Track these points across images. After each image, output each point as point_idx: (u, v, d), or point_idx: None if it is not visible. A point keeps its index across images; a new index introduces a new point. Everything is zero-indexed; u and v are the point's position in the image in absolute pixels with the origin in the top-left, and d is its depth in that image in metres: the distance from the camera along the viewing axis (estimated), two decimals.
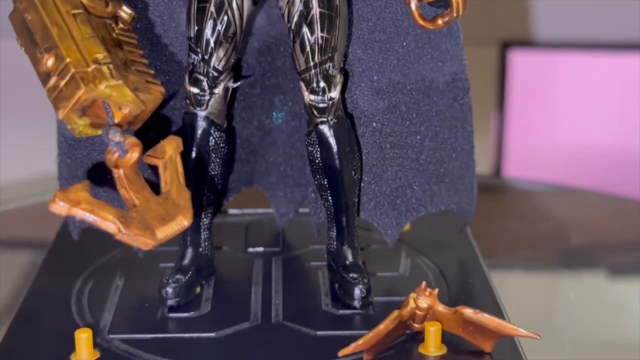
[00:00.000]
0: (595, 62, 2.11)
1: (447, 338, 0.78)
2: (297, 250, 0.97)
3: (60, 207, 0.63)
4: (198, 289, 0.87)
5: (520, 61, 2.19)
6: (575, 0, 1.90)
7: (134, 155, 0.67)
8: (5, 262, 1.17)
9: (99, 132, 0.68)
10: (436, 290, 0.78)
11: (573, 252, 1.19)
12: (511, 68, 2.18)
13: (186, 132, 0.83)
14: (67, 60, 0.65)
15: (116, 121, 0.68)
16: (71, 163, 0.86)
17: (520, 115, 2.13)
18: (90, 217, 0.64)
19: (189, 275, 0.85)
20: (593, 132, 2.03)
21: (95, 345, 0.78)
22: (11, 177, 1.76)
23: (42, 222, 1.23)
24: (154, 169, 0.70)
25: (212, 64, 0.80)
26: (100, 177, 0.82)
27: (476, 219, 1.03)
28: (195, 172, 0.84)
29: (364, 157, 0.88)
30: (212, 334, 0.80)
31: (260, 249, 0.97)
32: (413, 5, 0.75)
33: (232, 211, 1.06)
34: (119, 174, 0.67)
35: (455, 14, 0.74)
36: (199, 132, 0.83)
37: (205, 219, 0.87)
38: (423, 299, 0.78)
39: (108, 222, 0.64)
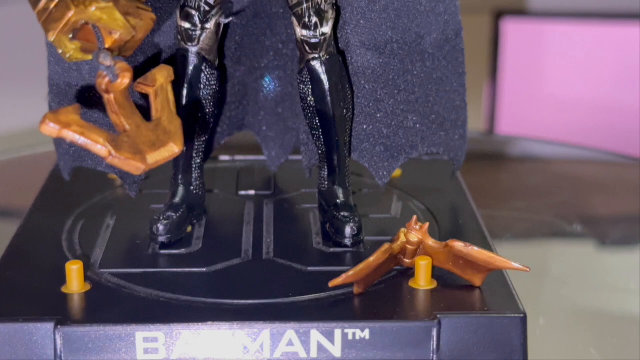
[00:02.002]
0: (587, 31, 2.12)
1: (437, 273, 0.78)
2: (289, 193, 0.97)
3: (50, 129, 0.63)
4: (189, 228, 0.87)
5: (513, 30, 2.19)
6: None
7: (124, 80, 0.67)
8: None
9: (89, 56, 0.68)
10: (427, 225, 0.78)
11: (561, 204, 1.19)
12: (504, 37, 2.19)
13: (178, 67, 0.82)
14: None
15: (107, 46, 0.67)
16: (62, 102, 0.86)
17: (513, 80, 2.15)
18: (80, 140, 0.64)
19: (180, 212, 0.85)
20: (583, 94, 2.05)
21: (86, 278, 0.78)
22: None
23: (30, 174, 1.23)
24: (146, 98, 0.70)
25: None
26: (91, 104, 0.82)
27: (469, 173, 1.03)
28: (186, 108, 0.84)
29: (356, 98, 0.87)
30: (203, 269, 0.80)
31: (252, 192, 0.97)
32: None
33: (223, 157, 1.06)
34: (109, 98, 0.66)
35: None
36: (190, 68, 0.83)
37: (196, 158, 0.87)
38: (414, 233, 0.78)
39: (98, 145, 0.64)
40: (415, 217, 0.78)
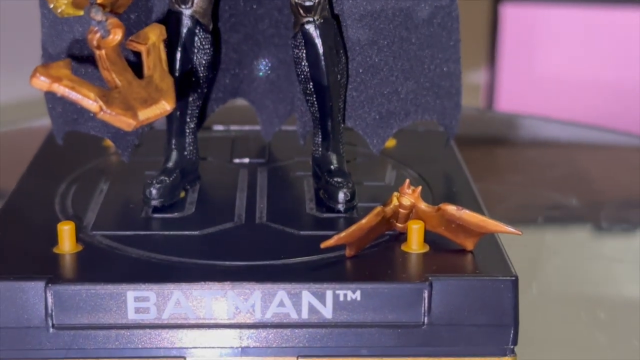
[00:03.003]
0: (585, 15, 2.13)
1: (429, 238, 0.78)
2: (283, 161, 0.97)
3: (41, 82, 0.63)
4: (182, 194, 0.87)
5: (512, 14, 2.20)
6: None
7: (116, 37, 0.66)
8: None
9: (81, 12, 0.67)
10: (419, 188, 0.78)
11: (558, 179, 1.19)
12: (503, 21, 2.19)
13: (171, 30, 0.82)
14: None
15: (98, 1, 0.67)
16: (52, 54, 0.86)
17: (512, 63, 2.15)
18: (71, 94, 0.64)
19: (173, 177, 0.85)
20: (581, 74, 2.06)
21: (78, 240, 0.78)
22: None
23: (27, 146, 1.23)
24: (138, 55, 0.70)
25: None
26: (82, 60, 0.82)
27: (466, 149, 1.03)
28: (180, 72, 0.83)
29: (350, 65, 0.87)
30: (196, 232, 0.80)
31: (246, 160, 0.97)
32: None
33: (217, 127, 1.05)
34: (100, 54, 0.66)
35: None
36: (184, 30, 0.82)
37: (190, 123, 0.87)
38: (406, 197, 0.78)
39: (89, 100, 0.64)
40: (407, 180, 0.78)
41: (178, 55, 0.83)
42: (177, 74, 0.83)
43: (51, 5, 0.66)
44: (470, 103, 0.98)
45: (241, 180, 0.92)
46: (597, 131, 1.37)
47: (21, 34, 1.51)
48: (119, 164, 0.93)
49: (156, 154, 0.93)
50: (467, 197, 0.88)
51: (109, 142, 0.96)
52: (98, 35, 0.66)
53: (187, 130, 0.87)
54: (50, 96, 0.88)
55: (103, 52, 0.66)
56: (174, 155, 0.86)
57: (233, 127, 1.06)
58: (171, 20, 0.83)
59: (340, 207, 0.84)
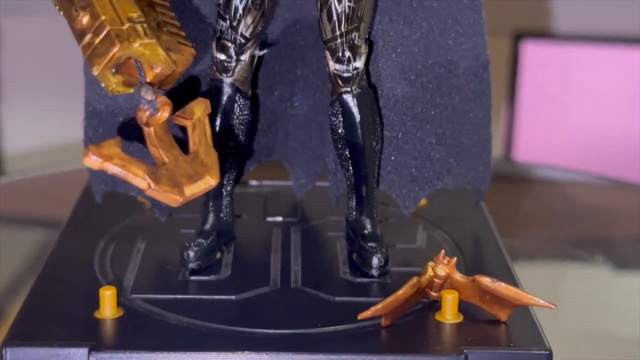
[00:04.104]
0: (611, 55, 2.11)
1: (463, 307, 0.79)
2: (315, 220, 0.98)
3: (92, 161, 0.65)
4: (218, 255, 0.88)
5: (532, 52, 2.19)
6: None
7: (164, 114, 0.68)
8: (14, 237, 1.18)
9: (131, 90, 0.69)
10: (454, 259, 0.79)
11: (580, 233, 1.20)
12: (523, 59, 2.18)
13: (212, 98, 0.84)
14: (103, 17, 0.66)
15: (148, 80, 0.69)
16: (97, 127, 0.88)
17: (531, 104, 2.13)
18: (121, 172, 0.65)
19: (210, 239, 0.86)
20: (604, 120, 2.03)
21: (119, 304, 0.79)
22: (18, 147, 1.77)
23: (53, 193, 1.25)
24: (183, 129, 0.72)
25: (239, 31, 0.81)
26: (130, 135, 0.84)
27: (488, 200, 1.04)
28: (219, 137, 0.85)
29: (385, 130, 0.89)
30: (232, 297, 0.82)
31: (279, 218, 0.98)
32: None
33: (251, 182, 1.07)
34: (149, 131, 0.68)
35: None
36: (224, 98, 0.84)
37: (227, 186, 0.88)
38: (441, 267, 0.79)
39: (139, 178, 0.66)
40: (443, 251, 0.80)
41: (218, 121, 0.85)
42: (216, 139, 0.84)
43: (102, 84, 0.68)
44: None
45: (275, 240, 0.93)
46: (623, 184, 1.38)
47: (68, 78, 1.53)
48: (154, 221, 0.95)
49: (191, 211, 0.95)
50: (499, 264, 0.89)
51: (144, 199, 0.98)
52: (148, 113, 0.68)
53: (224, 193, 0.88)
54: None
55: (152, 129, 0.68)
56: (211, 217, 0.88)
57: (266, 182, 1.07)
58: (212, 87, 0.85)
59: (374, 272, 0.85)
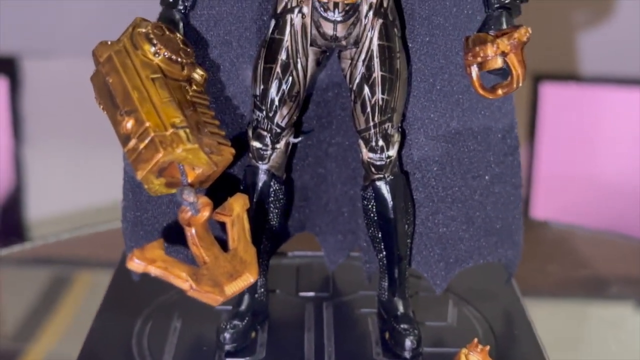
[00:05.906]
0: (632, 97, 2.09)
1: None
2: (347, 295, 1.00)
3: (136, 265, 0.67)
4: (253, 334, 0.90)
5: (552, 95, 2.18)
6: (611, 35, 1.89)
7: (205, 214, 0.70)
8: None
9: (173, 190, 0.71)
10: (487, 348, 0.80)
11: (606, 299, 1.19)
12: (543, 102, 2.17)
13: (247, 183, 0.86)
14: (147, 124, 0.68)
15: (189, 181, 0.71)
16: (136, 210, 0.90)
17: (552, 151, 2.09)
18: (164, 275, 0.67)
19: (245, 321, 0.88)
20: (629, 172, 2.00)
21: None
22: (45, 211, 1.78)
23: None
24: (222, 225, 0.73)
25: (275, 121, 0.83)
26: (170, 232, 0.86)
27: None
28: (254, 222, 0.86)
29: (416, 210, 0.91)
30: None
31: (312, 293, 1.00)
32: (474, 74, 0.78)
33: (285, 254, 1.09)
34: (191, 232, 0.70)
35: (515, 86, 0.77)
36: (260, 184, 0.86)
37: (261, 267, 0.90)
38: (474, 355, 0.80)
39: (181, 280, 0.68)
40: (476, 339, 0.81)
41: (253, 206, 0.86)
42: (251, 225, 0.86)
43: (146, 186, 0.70)
44: None
45: (308, 317, 0.95)
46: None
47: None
48: (189, 296, 0.97)
49: None
50: (530, 343, 0.90)
51: None
52: (189, 214, 0.70)
53: (259, 274, 0.90)
54: (129, 234, 0.93)
55: (193, 229, 0.70)
56: (246, 298, 0.89)
57: (297, 253, 1.09)
58: (247, 173, 0.87)
59: (407, 354, 0.87)
